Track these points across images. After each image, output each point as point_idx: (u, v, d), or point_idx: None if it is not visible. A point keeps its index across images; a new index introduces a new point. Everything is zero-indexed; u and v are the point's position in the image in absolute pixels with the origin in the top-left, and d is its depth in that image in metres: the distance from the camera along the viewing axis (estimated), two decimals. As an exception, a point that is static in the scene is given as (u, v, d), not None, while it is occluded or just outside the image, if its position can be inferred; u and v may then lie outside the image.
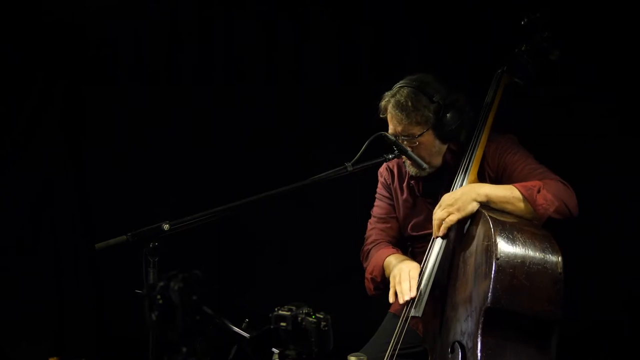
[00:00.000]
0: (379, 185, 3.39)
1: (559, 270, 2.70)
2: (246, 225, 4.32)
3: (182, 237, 2.72)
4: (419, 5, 4.15)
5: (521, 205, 2.85)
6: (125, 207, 4.49)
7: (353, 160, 2.85)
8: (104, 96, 4.66)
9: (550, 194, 2.84)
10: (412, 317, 2.93)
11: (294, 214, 4.28)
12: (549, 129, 3.89)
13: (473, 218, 2.87)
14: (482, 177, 3.05)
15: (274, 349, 2.22)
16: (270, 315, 2.22)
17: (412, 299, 2.93)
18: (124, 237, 2.60)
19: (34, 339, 4.59)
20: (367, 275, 3.27)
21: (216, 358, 2.12)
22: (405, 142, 3.05)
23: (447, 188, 3.03)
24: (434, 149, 3.09)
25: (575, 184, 2.93)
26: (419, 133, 3.04)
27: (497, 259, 2.67)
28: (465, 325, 2.73)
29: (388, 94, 3.09)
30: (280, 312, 2.20)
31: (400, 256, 3.19)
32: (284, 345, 2.21)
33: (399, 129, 3.05)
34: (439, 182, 3.12)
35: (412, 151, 3.03)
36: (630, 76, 3.82)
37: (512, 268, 2.67)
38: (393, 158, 2.99)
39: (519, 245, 2.71)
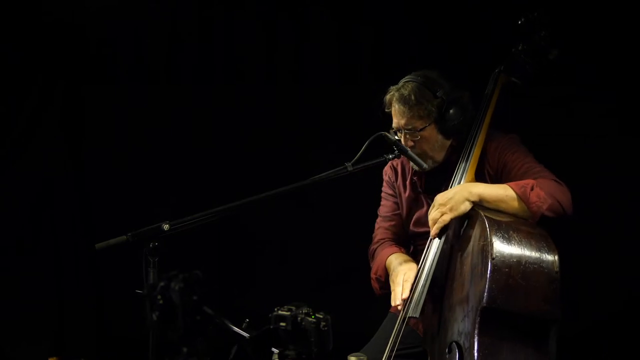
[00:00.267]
0: (384, 184, 3.40)
1: (555, 269, 2.68)
2: (246, 225, 4.32)
3: (182, 237, 2.72)
4: (419, 5, 4.15)
5: (515, 203, 2.85)
6: (125, 207, 4.49)
7: (353, 160, 2.85)
8: (104, 96, 4.66)
9: (544, 191, 2.83)
10: (411, 317, 2.94)
11: (294, 214, 4.28)
12: (549, 128, 3.89)
13: (470, 218, 2.86)
14: (482, 176, 3.05)
15: (273, 349, 2.22)
16: (270, 315, 2.21)
17: (405, 301, 2.94)
18: (124, 237, 2.60)
19: (34, 339, 4.59)
20: (373, 275, 3.28)
21: (216, 358, 2.11)
22: (408, 136, 3.07)
23: (448, 185, 3.04)
24: (437, 143, 3.10)
25: (575, 184, 2.93)
26: (421, 127, 3.06)
27: (493, 258, 2.66)
28: (462, 325, 2.73)
29: (393, 87, 3.12)
30: (280, 312, 2.20)
31: (400, 256, 3.19)
32: (284, 345, 2.21)
33: (402, 122, 3.07)
34: (441, 178, 3.12)
35: (415, 145, 3.06)
36: (630, 76, 3.82)
37: (508, 268, 2.66)
38: (393, 158, 2.99)
39: (514, 244, 2.70)
